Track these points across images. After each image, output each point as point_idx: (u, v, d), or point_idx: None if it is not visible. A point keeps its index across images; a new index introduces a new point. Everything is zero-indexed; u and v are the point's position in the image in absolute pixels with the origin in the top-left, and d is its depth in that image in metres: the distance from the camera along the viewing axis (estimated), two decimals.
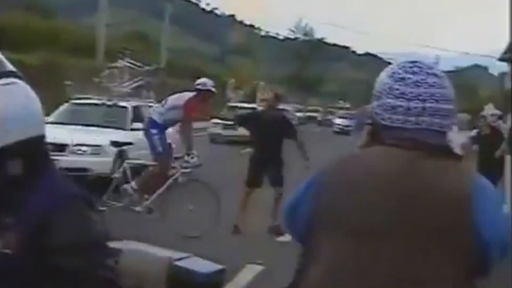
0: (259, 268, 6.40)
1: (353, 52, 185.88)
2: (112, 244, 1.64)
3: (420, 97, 1.59)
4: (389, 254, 1.51)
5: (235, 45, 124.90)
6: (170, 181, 7.86)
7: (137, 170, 8.37)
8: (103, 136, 10.37)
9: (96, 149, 10.28)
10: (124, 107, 11.86)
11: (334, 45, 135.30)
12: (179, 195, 7.83)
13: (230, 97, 31.36)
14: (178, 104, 8.00)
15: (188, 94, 8.12)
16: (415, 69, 1.63)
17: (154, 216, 7.75)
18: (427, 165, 1.55)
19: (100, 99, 12.06)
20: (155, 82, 14.78)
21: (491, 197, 1.57)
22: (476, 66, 52.90)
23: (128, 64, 13.35)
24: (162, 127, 8.09)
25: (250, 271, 6.29)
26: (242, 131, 10.40)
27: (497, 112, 10.81)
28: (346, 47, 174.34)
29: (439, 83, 1.62)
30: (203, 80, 8.30)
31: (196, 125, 9.93)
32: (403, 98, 1.59)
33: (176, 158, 9.02)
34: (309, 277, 1.56)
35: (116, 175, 8.31)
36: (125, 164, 8.26)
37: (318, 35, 76.20)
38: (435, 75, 1.63)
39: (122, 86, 12.68)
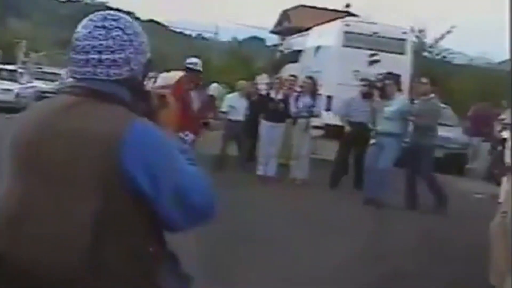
0: None
1: (137, 18, 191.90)
2: None
3: (84, 50, 1.63)
4: (33, 190, 1.56)
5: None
6: None
7: None
8: None
9: None
10: None
11: (117, 9, 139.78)
12: None
13: None
14: (166, 84, 7.76)
15: (177, 74, 8.07)
16: (88, 22, 1.66)
17: None
18: (83, 109, 1.58)
19: None
20: None
21: (149, 142, 1.55)
22: (255, 37, 60.99)
23: None
24: None
25: None
26: None
27: (267, 81, 12.98)
28: (130, 12, 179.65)
29: (104, 35, 1.63)
30: (194, 59, 8.05)
31: None
32: (75, 51, 1.65)
33: None
34: None
35: None
36: None
37: None
38: (104, 27, 1.64)
39: None
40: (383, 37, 15.26)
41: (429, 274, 5.63)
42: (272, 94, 10.35)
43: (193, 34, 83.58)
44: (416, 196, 8.78)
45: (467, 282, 5.44)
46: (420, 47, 27.30)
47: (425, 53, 27.99)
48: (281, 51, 21.33)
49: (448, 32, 27.38)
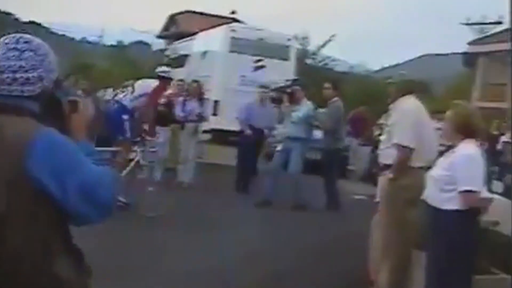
0: None
1: (16, 19, 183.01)
2: None
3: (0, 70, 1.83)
4: None
5: None
6: (132, 164, 8.01)
7: None
8: None
9: None
10: None
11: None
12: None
13: None
14: (146, 92, 8.24)
15: (154, 82, 8.45)
16: (2, 45, 1.88)
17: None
18: None
19: None
20: None
21: (54, 148, 1.75)
22: (141, 42, 60.36)
23: None
24: (131, 113, 8.12)
25: None
26: None
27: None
28: (9, 13, 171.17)
29: (17, 56, 1.84)
30: (164, 68, 8.83)
31: None
32: None
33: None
34: None
35: None
36: None
37: None
38: (16, 49, 1.85)
39: None
40: (268, 43, 15.60)
41: (310, 273, 5.80)
42: None
43: (77, 37, 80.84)
44: (337, 197, 9.18)
45: (348, 279, 5.62)
46: (303, 54, 28.15)
47: (308, 60, 28.90)
48: (168, 56, 21.23)
49: (329, 40, 28.53)
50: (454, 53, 58.30)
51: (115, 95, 8.74)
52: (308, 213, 8.77)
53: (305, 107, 9.22)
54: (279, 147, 9.29)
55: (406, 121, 4.83)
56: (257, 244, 6.62)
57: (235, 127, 13.86)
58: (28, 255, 1.77)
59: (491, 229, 4.60)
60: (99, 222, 1.87)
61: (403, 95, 5.02)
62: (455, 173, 3.94)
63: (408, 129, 4.78)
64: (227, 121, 12.69)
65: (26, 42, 1.89)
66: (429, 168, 4.68)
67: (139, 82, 8.63)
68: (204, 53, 16.56)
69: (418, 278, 4.49)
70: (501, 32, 38.14)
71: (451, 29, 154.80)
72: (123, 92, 8.92)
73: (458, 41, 79.37)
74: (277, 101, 9.99)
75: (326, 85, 9.29)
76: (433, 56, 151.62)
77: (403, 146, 4.77)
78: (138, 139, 8.23)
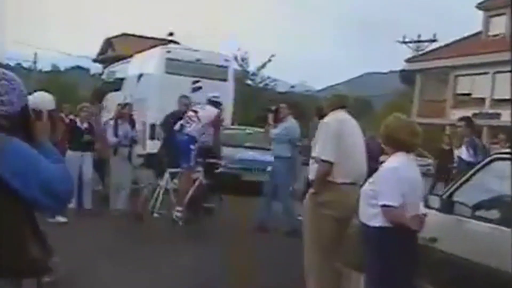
0: None
1: None
2: None
3: None
4: None
5: None
6: (197, 183, 8.99)
7: None
8: None
9: None
10: None
11: None
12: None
13: None
14: (209, 121, 8.96)
15: (212, 109, 9.07)
16: None
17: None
18: None
19: None
20: None
21: (18, 154, 2.19)
22: (78, 67, 59.86)
23: None
24: (195, 142, 8.87)
25: None
26: None
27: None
28: None
29: None
30: (214, 93, 9.43)
31: None
32: None
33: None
34: None
35: (160, 183, 9.35)
36: (167, 174, 9.32)
37: None
38: None
39: None
40: (206, 64, 15.42)
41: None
42: (78, 123, 9.64)
43: (11, 64, 78.80)
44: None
45: None
46: (243, 75, 28.18)
47: (248, 81, 28.97)
48: (104, 80, 20.77)
49: (269, 60, 28.73)
50: (392, 71, 59.90)
51: (181, 125, 9.00)
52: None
53: (285, 124, 9.14)
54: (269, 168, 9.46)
55: (326, 135, 4.71)
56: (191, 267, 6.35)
57: None
58: (6, 241, 2.19)
59: (429, 246, 4.47)
60: (58, 210, 2.60)
61: (333, 110, 4.91)
62: (378, 187, 3.81)
63: (327, 143, 4.66)
64: None
65: (3, 73, 2.38)
66: (353, 184, 4.59)
67: (201, 111, 9.00)
68: (140, 75, 16.24)
69: None
70: (436, 49, 39.46)
71: (389, 47, 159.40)
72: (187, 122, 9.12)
73: (397, 59, 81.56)
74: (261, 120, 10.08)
75: (282, 105, 9.38)
76: (373, 74, 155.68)
77: (323, 160, 4.62)
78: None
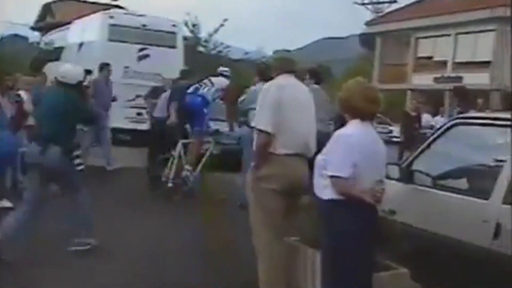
0: None
1: None
2: None
3: None
4: None
5: None
6: (208, 153, 9.34)
7: None
8: None
9: None
10: None
11: None
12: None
13: None
14: (221, 87, 9.50)
15: (224, 80, 9.67)
16: None
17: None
18: None
19: None
20: None
21: None
22: (16, 35, 58.44)
23: None
24: (209, 107, 9.44)
25: None
26: None
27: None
28: None
29: None
30: (224, 67, 10.24)
31: None
32: None
33: None
34: None
35: (173, 153, 9.31)
36: (179, 144, 9.26)
37: None
38: None
39: None
40: (152, 30, 15.05)
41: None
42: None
43: None
44: None
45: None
46: (195, 42, 27.76)
47: (200, 48, 28.57)
48: (42, 49, 20.15)
49: (222, 25, 28.30)
50: (353, 35, 60.13)
51: (196, 88, 9.45)
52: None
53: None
54: None
55: (263, 102, 4.48)
56: None
57: (122, 124, 13.06)
58: None
59: (388, 219, 4.41)
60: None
61: (278, 74, 4.71)
62: (328, 156, 3.70)
63: (265, 111, 4.44)
64: (112, 118, 12.02)
65: None
66: (298, 155, 4.41)
67: (214, 79, 9.55)
68: (81, 44, 15.76)
69: (312, 279, 4.26)
70: (396, 10, 39.64)
71: (349, 10, 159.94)
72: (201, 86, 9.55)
73: (358, 23, 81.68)
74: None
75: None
76: (333, 39, 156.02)
77: (260, 130, 4.44)
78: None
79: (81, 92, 6.21)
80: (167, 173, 9.23)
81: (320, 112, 5.24)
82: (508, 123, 4.32)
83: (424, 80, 32.22)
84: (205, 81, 9.52)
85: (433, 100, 23.28)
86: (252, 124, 4.63)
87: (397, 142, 14.18)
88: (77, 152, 5.99)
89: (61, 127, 5.69)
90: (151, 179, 9.67)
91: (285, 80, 4.63)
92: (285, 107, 4.45)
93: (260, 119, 4.46)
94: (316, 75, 8.65)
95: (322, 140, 4.07)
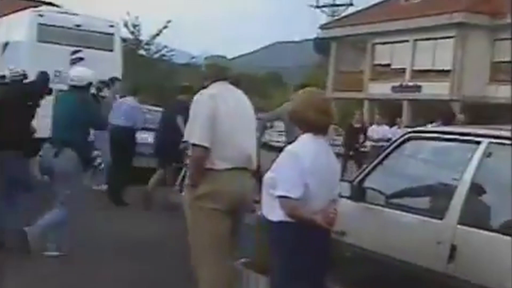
0: None
1: None
2: None
3: None
4: None
5: None
6: None
7: None
8: None
9: None
10: None
11: None
12: None
13: None
14: None
15: None
16: None
17: None
18: None
19: None
20: None
21: None
22: None
23: None
24: None
25: None
26: None
27: None
28: None
29: None
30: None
31: None
32: None
33: None
34: None
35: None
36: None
37: None
38: None
39: None
40: (87, 30, 14.78)
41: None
42: None
43: None
44: None
45: None
46: (135, 45, 27.49)
47: (142, 51, 28.29)
48: None
49: (165, 27, 28.05)
50: (307, 40, 60.70)
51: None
52: None
53: None
54: None
55: (196, 114, 4.36)
56: None
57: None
58: None
59: (338, 241, 4.39)
60: None
61: (212, 82, 4.61)
62: (276, 174, 3.64)
63: (198, 124, 4.32)
64: (42, 128, 11.70)
65: None
66: (238, 169, 4.32)
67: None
68: (6, 44, 15.37)
69: None
70: (352, 14, 40.18)
71: (305, 14, 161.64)
72: None
73: (312, 27, 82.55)
74: None
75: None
76: (286, 43, 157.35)
77: (194, 145, 4.33)
78: None
79: (94, 96, 7.19)
80: (180, 182, 9.69)
81: None
82: (462, 137, 4.36)
83: (381, 89, 32.71)
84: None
85: (389, 111, 23.59)
86: (184, 138, 4.52)
87: (339, 155, 14.45)
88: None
89: (74, 130, 6.35)
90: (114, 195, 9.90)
91: (219, 89, 4.54)
92: (221, 117, 4.35)
93: (194, 132, 4.34)
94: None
95: None
